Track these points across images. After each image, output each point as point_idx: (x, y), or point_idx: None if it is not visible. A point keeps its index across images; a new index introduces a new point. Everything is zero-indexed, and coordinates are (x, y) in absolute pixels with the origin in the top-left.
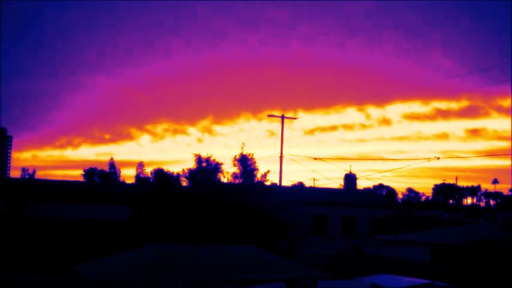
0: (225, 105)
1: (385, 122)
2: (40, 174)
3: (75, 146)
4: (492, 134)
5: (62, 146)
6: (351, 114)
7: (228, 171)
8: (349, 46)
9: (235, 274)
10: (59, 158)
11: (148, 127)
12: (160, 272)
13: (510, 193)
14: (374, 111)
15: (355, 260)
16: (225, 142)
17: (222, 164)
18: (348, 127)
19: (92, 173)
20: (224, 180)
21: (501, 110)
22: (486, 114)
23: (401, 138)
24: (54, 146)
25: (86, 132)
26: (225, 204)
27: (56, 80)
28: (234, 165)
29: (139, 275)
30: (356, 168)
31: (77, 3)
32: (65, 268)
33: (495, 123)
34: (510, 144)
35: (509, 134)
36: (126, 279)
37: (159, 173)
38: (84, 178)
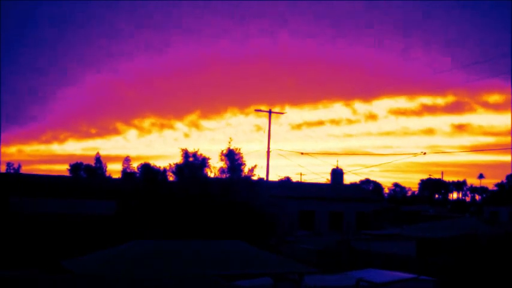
0: (212, 100)
1: (372, 117)
2: (25, 169)
3: (61, 140)
4: (478, 129)
5: (48, 141)
6: (338, 109)
7: (215, 166)
8: (336, 41)
9: (221, 269)
10: (44, 152)
11: (135, 122)
12: (147, 267)
13: (495, 188)
14: (361, 107)
15: (342, 254)
16: (212, 137)
17: (209, 158)
18: (335, 122)
19: (77, 167)
20: (211, 175)
21: (487, 106)
22: (472, 109)
23: (387, 134)
24: (40, 141)
25: (72, 126)
26: (212, 199)
27: (41, 74)
28: (221, 159)
29: (127, 270)
30: (343, 163)
31: None
32: (51, 263)
33: (481, 118)
34: (496, 140)
35: (495, 130)
36: (114, 275)
37: (146, 168)
38: (70, 173)
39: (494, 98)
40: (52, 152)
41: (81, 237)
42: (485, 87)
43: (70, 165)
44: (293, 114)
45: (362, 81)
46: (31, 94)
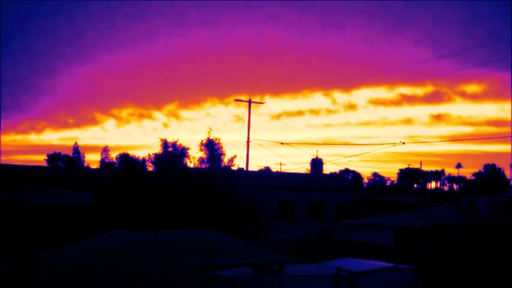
0: (191, 90)
1: (351, 107)
2: (2, 159)
3: (39, 130)
4: (456, 119)
5: (25, 131)
6: (317, 99)
7: (195, 156)
8: (316, 32)
9: (201, 259)
10: (21, 142)
11: (114, 111)
12: (126, 258)
13: (473, 177)
14: (340, 97)
15: (322, 244)
16: (191, 127)
17: (188, 148)
18: (314, 112)
19: (55, 157)
20: (191, 165)
21: (465, 96)
22: (450, 99)
23: (367, 123)
24: (17, 131)
25: (50, 116)
26: (191, 190)
27: (18, 64)
28: (201, 150)
29: (105, 261)
30: (322, 153)
31: None
32: (29, 255)
33: (459, 108)
34: (474, 129)
35: (473, 120)
36: (93, 266)
37: (125, 158)
38: (48, 163)
39: (473, 88)
40: (29, 142)
41: (60, 228)
42: (464, 77)
43: (48, 156)
44: (273, 104)
45: (341, 72)
46: (7, 84)
